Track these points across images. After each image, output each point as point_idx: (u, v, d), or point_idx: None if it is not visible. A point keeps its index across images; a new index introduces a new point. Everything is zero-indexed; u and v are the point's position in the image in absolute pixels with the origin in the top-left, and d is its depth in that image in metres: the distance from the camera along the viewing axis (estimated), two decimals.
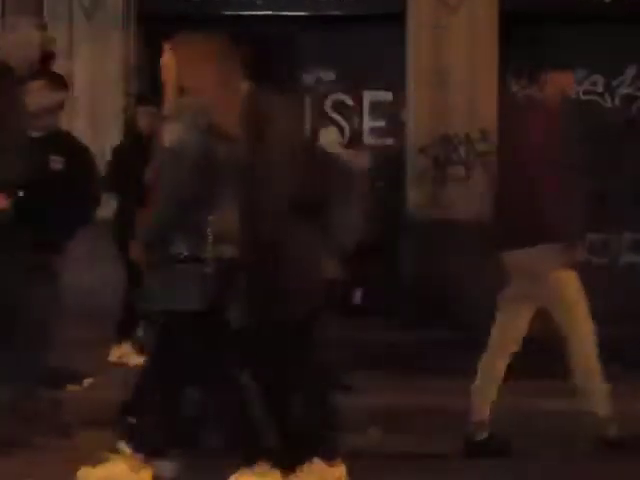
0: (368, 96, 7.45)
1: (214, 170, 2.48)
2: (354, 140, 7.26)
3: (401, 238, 7.20)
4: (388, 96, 7.45)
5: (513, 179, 3.54)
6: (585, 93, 7.36)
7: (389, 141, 7.40)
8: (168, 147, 2.46)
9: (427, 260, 6.94)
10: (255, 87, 2.70)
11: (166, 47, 2.65)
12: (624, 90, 7.32)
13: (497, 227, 3.87)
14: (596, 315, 3.72)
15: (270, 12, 7.24)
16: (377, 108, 7.54)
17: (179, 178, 2.46)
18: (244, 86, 2.62)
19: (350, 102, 7.59)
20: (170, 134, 2.48)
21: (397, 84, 7.28)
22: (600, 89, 7.38)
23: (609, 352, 3.50)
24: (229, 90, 2.47)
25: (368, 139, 7.32)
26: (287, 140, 2.58)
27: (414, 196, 7.12)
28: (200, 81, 2.43)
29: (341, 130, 7.28)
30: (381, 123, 7.49)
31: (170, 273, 2.47)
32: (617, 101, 7.44)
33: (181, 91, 2.51)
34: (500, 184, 3.84)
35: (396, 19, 6.97)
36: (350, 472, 2.75)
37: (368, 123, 7.42)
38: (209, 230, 2.37)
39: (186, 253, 2.44)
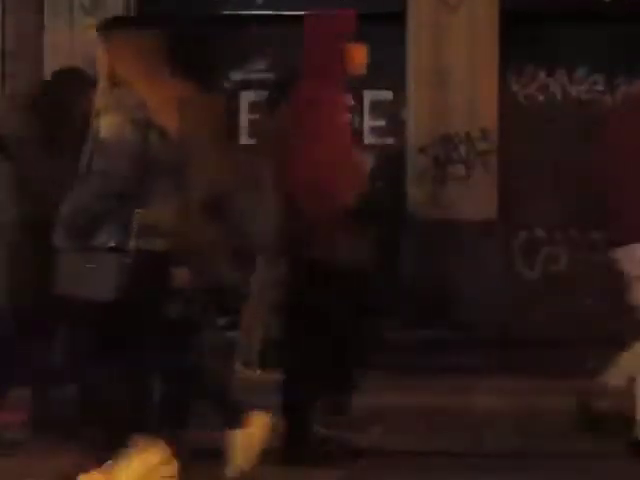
0: (368, 95, 7.36)
1: (148, 164, 2.51)
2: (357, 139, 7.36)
3: (401, 237, 7.18)
4: (388, 95, 7.43)
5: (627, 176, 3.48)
6: (586, 92, 7.30)
7: (389, 140, 7.37)
8: (103, 138, 2.48)
9: (427, 260, 6.99)
10: (190, 86, 2.73)
11: (99, 39, 2.67)
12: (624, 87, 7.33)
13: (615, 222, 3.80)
14: None
15: (270, 12, 7.19)
16: (377, 107, 7.50)
17: (112, 170, 2.49)
18: (178, 84, 2.64)
19: (350, 101, 7.73)
20: (106, 126, 2.50)
21: (397, 83, 7.26)
22: (601, 88, 7.30)
23: None
24: (162, 87, 2.48)
25: (368, 138, 7.26)
26: (205, 138, 2.70)
27: (414, 195, 7.11)
28: (132, 75, 2.45)
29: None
30: (381, 122, 7.45)
31: (87, 262, 2.48)
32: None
33: (114, 84, 2.53)
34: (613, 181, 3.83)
35: (396, 18, 6.95)
36: (351, 471, 2.89)
37: (368, 122, 7.37)
38: (134, 222, 2.39)
39: (112, 244, 2.46)
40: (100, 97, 2.62)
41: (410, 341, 6.07)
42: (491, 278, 6.92)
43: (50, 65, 6.91)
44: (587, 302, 7.05)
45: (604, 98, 7.25)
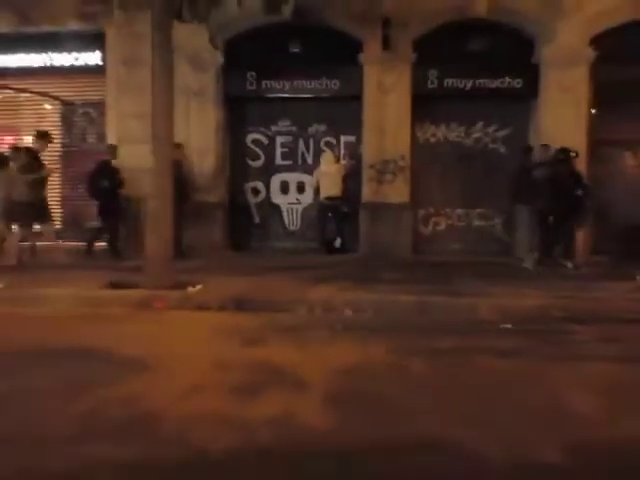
0: (343, 138, 10.41)
1: None
2: (338, 160, 9.89)
3: (360, 212, 9.87)
4: (353, 138, 10.32)
5: None
6: (456, 137, 10.13)
7: (353, 162, 10.00)
8: None
9: (372, 225, 9.69)
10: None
11: None
12: (477, 134, 10.16)
13: None
14: None
15: (291, 95, 9.95)
16: (348, 144, 10.35)
17: None
18: None
19: (334, 141, 10.44)
20: None
21: (358, 132, 10.04)
22: (463, 134, 10.16)
23: None
24: None
25: (343, 161, 9.99)
26: None
27: (366, 190, 9.89)
28: None
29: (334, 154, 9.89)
30: (349, 152, 10.19)
31: None
32: (472, 141, 10.19)
33: None
34: None
35: (357, 98, 9.79)
36: None
37: (343, 152, 10.25)
38: None
39: None
40: None
41: (361, 261, 8.93)
42: (405, 232, 9.77)
43: None
44: (454, 246, 10.18)
45: (464, 140, 10.19)
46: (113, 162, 9.04)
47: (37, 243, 8.65)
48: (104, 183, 8.79)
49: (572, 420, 2.75)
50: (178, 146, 9.13)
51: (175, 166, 8.84)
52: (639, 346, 4.38)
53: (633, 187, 9.55)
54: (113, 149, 9.10)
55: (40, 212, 7.93)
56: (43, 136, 8.04)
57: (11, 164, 8.05)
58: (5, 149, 9.28)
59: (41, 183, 7.81)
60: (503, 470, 2.25)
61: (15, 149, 8.15)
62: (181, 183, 8.94)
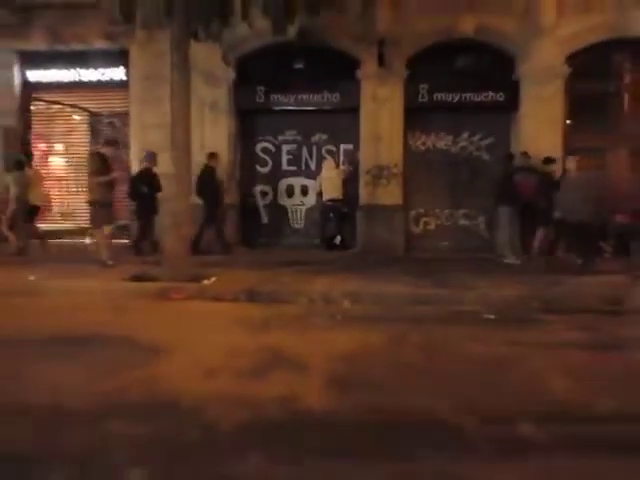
0: (342, 146, 10.35)
1: None
2: (338, 166, 9.89)
3: (357, 213, 9.83)
4: (351, 146, 10.23)
5: None
6: (444, 145, 10.08)
7: (352, 167, 9.96)
8: None
9: (368, 225, 9.67)
10: None
11: None
12: (463, 143, 10.08)
13: None
14: None
15: (297, 107, 9.93)
16: (347, 152, 10.31)
17: None
18: None
19: (334, 149, 10.38)
20: None
21: (356, 140, 9.99)
22: (450, 143, 10.11)
23: None
24: None
25: (342, 166, 9.96)
26: None
27: (363, 193, 9.88)
28: None
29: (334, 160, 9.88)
30: (348, 158, 10.15)
31: None
32: (458, 149, 10.10)
33: None
34: None
35: (355, 110, 9.79)
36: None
37: (342, 159, 10.19)
38: None
39: None
40: None
41: (359, 258, 8.89)
42: (398, 231, 9.74)
43: None
44: (443, 243, 10.14)
45: (452, 148, 10.14)
46: (153, 169, 8.90)
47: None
48: (143, 188, 8.72)
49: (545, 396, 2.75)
50: (213, 155, 9.27)
51: (210, 172, 8.97)
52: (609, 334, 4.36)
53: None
54: (153, 157, 8.94)
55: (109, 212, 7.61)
56: (112, 143, 7.89)
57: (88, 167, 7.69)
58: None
59: (110, 185, 7.48)
60: (478, 437, 2.26)
61: (90, 154, 7.95)
62: (217, 187, 9.14)
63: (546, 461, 2.11)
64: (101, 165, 7.37)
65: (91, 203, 7.39)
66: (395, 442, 2.27)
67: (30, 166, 8.97)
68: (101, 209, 7.34)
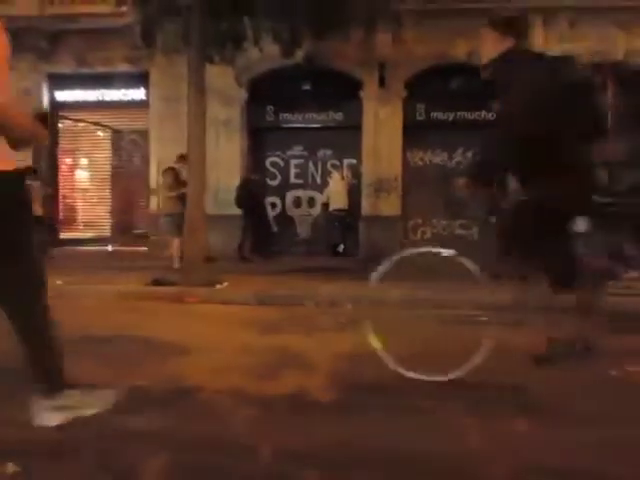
0: (345, 161, 10.49)
1: None
2: (343, 178, 9.85)
3: (360, 223, 10.03)
4: (354, 161, 10.42)
5: None
6: (440, 161, 10.24)
7: (355, 180, 10.17)
8: None
9: (370, 233, 9.75)
10: None
11: None
12: (458, 158, 10.18)
13: None
14: None
15: (301, 125, 10.13)
16: (351, 166, 10.43)
17: None
18: None
19: (338, 163, 10.54)
20: None
21: (358, 156, 10.20)
22: (446, 158, 10.26)
23: None
24: None
25: (346, 180, 9.95)
26: None
27: (365, 205, 10.03)
28: None
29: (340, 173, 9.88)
30: (351, 172, 10.27)
31: None
32: (454, 164, 10.18)
33: None
34: None
35: (358, 127, 9.96)
36: None
37: (346, 173, 10.13)
38: None
39: None
40: None
41: (361, 266, 8.35)
42: (396, 239, 9.62)
43: None
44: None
45: (447, 163, 10.22)
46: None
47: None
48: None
49: None
50: (253, 171, 9.73)
51: (247, 185, 9.20)
52: None
53: None
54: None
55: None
56: (183, 158, 7.63)
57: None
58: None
59: (182, 199, 7.24)
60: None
61: (164, 170, 7.96)
62: (255, 199, 9.36)
63: None
64: (173, 180, 7.44)
65: (165, 215, 7.48)
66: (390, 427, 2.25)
67: (36, 179, 8.67)
68: (174, 221, 7.35)
